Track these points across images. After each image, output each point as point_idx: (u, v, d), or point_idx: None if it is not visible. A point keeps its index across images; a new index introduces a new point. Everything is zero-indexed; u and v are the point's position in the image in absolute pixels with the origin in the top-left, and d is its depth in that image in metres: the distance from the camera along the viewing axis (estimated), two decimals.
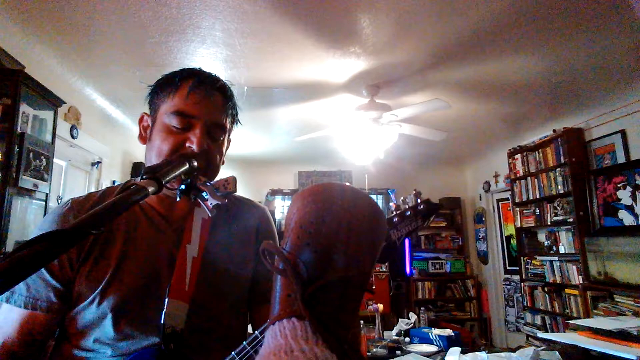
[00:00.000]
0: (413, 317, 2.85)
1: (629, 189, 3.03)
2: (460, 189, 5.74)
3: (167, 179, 0.57)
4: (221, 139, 0.82)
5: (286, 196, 5.38)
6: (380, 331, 2.65)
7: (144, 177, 0.54)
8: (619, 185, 3.11)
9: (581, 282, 3.33)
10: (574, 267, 3.47)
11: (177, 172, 0.61)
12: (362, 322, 2.42)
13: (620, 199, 3.09)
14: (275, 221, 0.96)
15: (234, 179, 0.69)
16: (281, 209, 5.27)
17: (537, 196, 3.92)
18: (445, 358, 1.98)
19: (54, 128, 2.31)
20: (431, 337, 2.44)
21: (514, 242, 4.69)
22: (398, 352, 2.32)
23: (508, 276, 4.86)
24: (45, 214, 2.23)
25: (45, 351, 0.76)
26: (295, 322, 0.35)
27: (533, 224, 4.03)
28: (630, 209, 3.02)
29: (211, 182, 0.68)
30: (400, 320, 2.80)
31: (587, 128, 3.55)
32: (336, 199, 0.42)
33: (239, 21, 2.02)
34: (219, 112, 0.80)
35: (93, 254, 0.75)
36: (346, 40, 2.24)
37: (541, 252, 3.94)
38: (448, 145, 4.38)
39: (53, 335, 0.76)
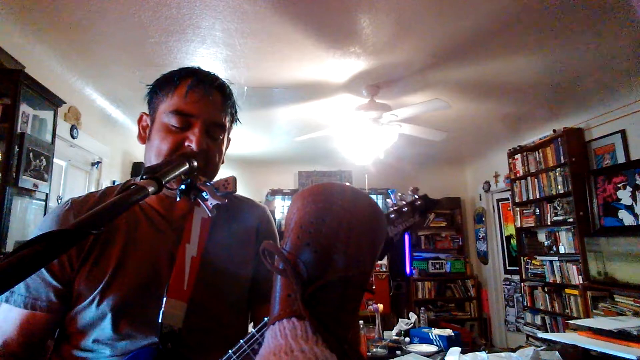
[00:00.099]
0: (413, 317, 2.85)
1: (629, 189, 3.03)
2: (460, 189, 5.74)
3: (167, 179, 0.57)
4: (220, 137, 0.82)
5: (286, 196, 5.38)
6: (380, 331, 2.65)
7: (144, 177, 0.54)
8: (619, 185, 3.11)
9: (581, 282, 3.33)
10: (574, 267, 3.47)
11: (177, 172, 0.61)
12: (362, 322, 2.42)
13: (620, 199, 3.09)
14: (275, 221, 0.96)
15: (233, 179, 0.69)
16: (281, 209, 5.27)
17: (537, 196, 3.92)
18: (445, 358, 1.98)
19: (54, 128, 2.31)
20: (431, 337, 2.44)
21: (514, 242, 4.69)
22: (398, 352, 2.32)
23: (508, 276, 4.86)
24: (45, 214, 2.23)
25: (45, 351, 0.76)
26: (295, 322, 0.35)
27: (533, 224, 4.03)
28: (630, 209, 3.02)
29: (211, 182, 0.68)
30: (400, 320, 2.81)
31: (587, 128, 3.55)
32: (336, 199, 0.42)
33: (239, 21, 2.02)
34: (218, 111, 0.80)
35: (93, 253, 0.75)
36: (346, 40, 2.24)
37: (541, 252, 3.94)
38: (448, 145, 4.37)
39: (53, 335, 0.76)
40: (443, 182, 5.64)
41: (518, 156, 4.22)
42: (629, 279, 2.94)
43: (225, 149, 0.87)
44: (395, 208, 0.74)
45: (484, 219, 5.30)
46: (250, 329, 0.78)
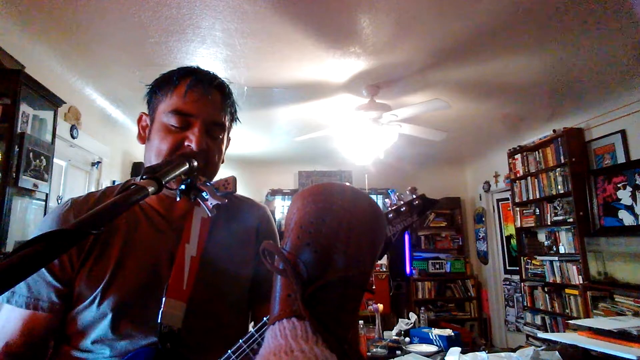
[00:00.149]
0: (413, 317, 2.85)
1: (629, 189, 3.03)
2: (460, 189, 5.74)
3: (167, 179, 0.57)
4: (220, 137, 0.82)
5: (286, 196, 5.38)
6: (380, 331, 2.65)
7: (144, 177, 0.54)
8: (619, 185, 3.11)
9: (581, 282, 3.33)
10: (574, 267, 3.47)
11: (177, 172, 0.61)
12: (362, 322, 2.42)
13: (620, 199, 3.09)
14: (275, 221, 0.96)
15: (233, 179, 0.69)
16: (281, 209, 5.27)
17: (537, 196, 3.92)
18: (445, 358, 1.98)
19: (54, 128, 2.31)
20: (431, 337, 2.44)
21: (514, 242, 4.69)
22: (398, 352, 2.32)
23: (508, 276, 4.86)
24: (45, 214, 2.23)
25: (47, 351, 0.76)
26: (295, 322, 0.35)
27: (533, 224, 4.03)
28: (630, 209, 3.02)
29: (211, 182, 0.68)
30: (400, 320, 2.81)
31: (587, 128, 3.55)
32: (336, 199, 0.42)
33: (239, 21, 2.02)
34: (217, 110, 0.80)
35: (93, 253, 0.75)
36: (346, 40, 2.24)
37: (541, 252, 3.94)
38: (448, 145, 4.37)
39: (55, 335, 0.76)
40: (443, 182, 5.64)
41: (518, 156, 4.22)
42: (629, 279, 2.94)
43: (225, 149, 0.87)
44: (393, 208, 0.74)
45: (484, 219, 5.30)
46: (251, 329, 0.78)
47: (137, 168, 3.82)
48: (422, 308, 4.34)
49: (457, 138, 4.19)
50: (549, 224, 3.78)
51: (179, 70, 0.80)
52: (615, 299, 3.01)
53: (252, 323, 0.91)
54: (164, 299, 0.73)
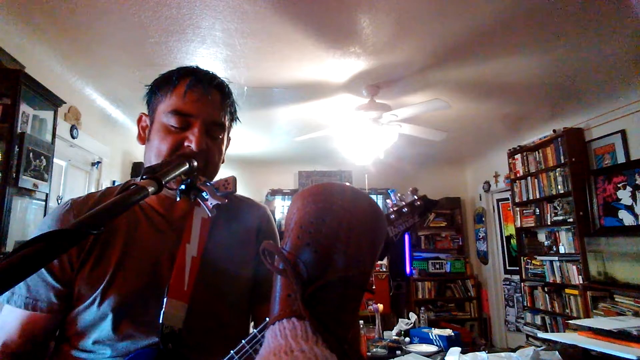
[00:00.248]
0: (413, 317, 2.85)
1: (629, 189, 3.03)
2: (460, 189, 5.74)
3: (167, 179, 0.57)
4: (220, 137, 0.82)
5: (286, 196, 5.38)
6: (380, 331, 2.65)
7: (144, 177, 0.54)
8: (619, 185, 3.11)
9: (581, 282, 3.33)
10: (574, 267, 3.47)
11: (177, 172, 0.61)
12: (362, 322, 2.42)
13: (620, 199, 3.09)
14: (275, 221, 0.96)
15: (233, 179, 0.69)
16: (281, 209, 5.27)
17: (537, 196, 3.92)
18: (445, 358, 1.98)
19: (54, 128, 2.31)
20: (431, 337, 2.44)
21: (514, 242, 4.69)
22: (398, 352, 2.32)
23: (508, 276, 4.86)
24: (45, 214, 2.23)
25: (46, 351, 0.76)
26: (295, 322, 0.35)
27: (533, 224, 4.03)
28: (630, 209, 3.02)
29: (211, 182, 0.68)
30: (400, 320, 2.81)
31: (587, 128, 3.55)
32: (336, 199, 0.42)
33: (239, 21, 2.02)
34: (217, 110, 0.80)
35: (93, 254, 0.75)
36: (346, 40, 2.24)
37: (541, 252, 3.94)
38: (448, 145, 4.38)
39: (54, 335, 0.76)
40: (443, 182, 5.64)
41: (518, 156, 4.22)
42: (629, 279, 2.94)
43: (226, 148, 0.87)
44: (395, 209, 0.74)
45: (484, 219, 5.30)
46: (251, 329, 0.78)
47: (137, 168, 3.82)
48: (422, 308, 4.34)
49: (457, 138, 4.19)
50: (549, 224, 3.78)
51: (178, 70, 0.80)
52: (615, 299, 3.01)
53: (252, 323, 0.91)
54: (165, 299, 0.73)
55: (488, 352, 1.88)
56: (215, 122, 0.79)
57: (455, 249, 5.45)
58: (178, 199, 0.68)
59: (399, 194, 0.78)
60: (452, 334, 2.44)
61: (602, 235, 3.22)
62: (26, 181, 2.03)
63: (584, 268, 3.30)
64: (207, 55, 2.39)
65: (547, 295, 3.80)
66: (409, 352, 2.23)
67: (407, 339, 2.56)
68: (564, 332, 3.19)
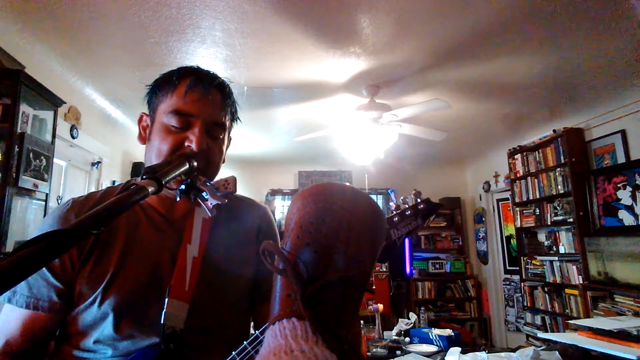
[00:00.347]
0: (413, 317, 2.85)
1: (629, 189, 3.03)
2: (460, 189, 5.74)
3: (167, 179, 0.57)
4: (221, 137, 0.82)
5: (286, 196, 5.38)
6: (380, 331, 2.65)
7: (144, 177, 0.54)
8: (619, 185, 3.11)
9: (581, 282, 3.33)
10: (574, 267, 3.47)
11: (177, 172, 0.61)
12: (362, 322, 2.42)
13: (620, 199, 3.09)
14: (275, 221, 0.96)
15: (233, 179, 0.69)
16: (281, 209, 5.27)
17: (537, 196, 3.92)
18: (445, 358, 1.98)
19: (54, 128, 2.31)
20: (431, 337, 2.44)
21: (514, 242, 4.69)
22: (398, 352, 2.32)
23: (508, 276, 4.86)
24: (45, 214, 2.23)
25: (47, 351, 0.76)
26: (295, 322, 0.35)
27: (533, 224, 4.03)
28: (630, 209, 3.02)
29: (211, 182, 0.68)
30: (400, 320, 2.80)
31: (587, 128, 3.55)
32: (336, 199, 0.42)
33: (239, 21, 2.02)
34: (217, 110, 0.80)
35: (94, 253, 0.75)
36: (346, 40, 2.24)
37: (541, 252, 3.94)
38: (448, 145, 4.38)
39: (55, 335, 0.76)
40: (443, 182, 5.64)
41: (518, 156, 4.22)
42: (629, 279, 2.94)
43: (226, 148, 0.87)
44: (398, 211, 0.74)
45: (484, 219, 5.30)
46: (251, 329, 0.78)
47: (137, 168, 3.82)
48: (422, 308, 4.34)
49: (457, 138, 4.19)
50: (549, 224, 3.78)
51: (179, 70, 0.80)
52: (615, 299, 3.01)
53: (252, 323, 0.91)
54: (166, 299, 0.73)
55: (488, 352, 1.88)
56: (215, 122, 0.79)
57: (455, 249, 5.45)
58: (178, 199, 0.68)
59: (401, 197, 0.78)
60: (452, 334, 2.44)
61: (602, 235, 3.22)
62: (26, 181, 2.03)
63: (584, 268, 3.30)
64: (207, 55, 2.39)
65: (547, 295, 3.80)
66: (409, 352, 2.23)
67: (407, 339, 2.56)
68: (564, 332, 3.19)
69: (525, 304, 4.10)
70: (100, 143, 3.25)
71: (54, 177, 2.32)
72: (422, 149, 4.53)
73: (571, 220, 3.47)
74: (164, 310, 0.72)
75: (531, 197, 4.01)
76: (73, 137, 2.78)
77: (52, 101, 2.27)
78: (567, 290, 3.53)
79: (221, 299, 0.80)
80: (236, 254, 0.85)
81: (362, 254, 0.40)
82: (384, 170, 5.02)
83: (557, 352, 1.72)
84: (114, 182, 3.52)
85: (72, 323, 0.74)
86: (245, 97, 3.01)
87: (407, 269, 5.08)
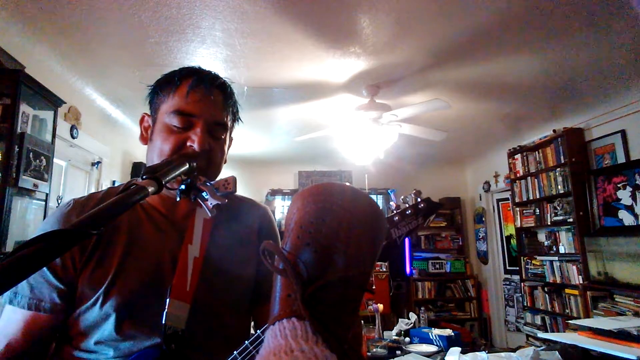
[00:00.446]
0: (413, 317, 2.85)
1: (629, 189, 3.03)
2: (460, 189, 5.74)
3: (167, 179, 0.57)
4: (223, 137, 0.82)
5: (286, 196, 5.38)
6: (380, 331, 2.65)
7: (144, 177, 0.54)
8: (619, 185, 3.11)
9: (581, 282, 3.33)
10: (574, 267, 3.47)
11: (177, 172, 0.61)
12: (362, 322, 2.42)
13: (620, 199, 3.09)
14: (275, 221, 0.96)
15: (234, 179, 0.69)
16: (281, 209, 5.27)
17: (537, 196, 3.92)
18: (445, 358, 1.98)
19: (54, 128, 2.31)
20: (431, 337, 2.44)
21: (514, 242, 4.69)
22: (398, 352, 2.32)
23: (508, 276, 4.86)
24: (45, 214, 2.23)
25: (48, 351, 0.76)
26: (295, 322, 0.35)
27: (533, 224, 4.03)
28: (630, 209, 3.02)
29: (211, 182, 0.68)
30: (400, 320, 2.80)
31: (587, 128, 3.55)
32: (336, 199, 0.42)
33: (239, 21, 2.02)
34: (219, 110, 0.80)
35: (96, 254, 0.75)
36: (346, 40, 2.24)
37: (541, 252, 3.94)
38: (448, 145, 4.37)
39: (56, 335, 0.76)
40: (443, 182, 5.64)
41: (518, 156, 4.22)
42: (629, 279, 2.94)
43: (228, 148, 0.87)
44: (398, 211, 0.75)
45: (484, 219, 5.30)
46: (252, 329, 0.78)
47: (137, 168, 3.81)
48: (422, 308, 4.34)
49: (457, 138, 4.19)
50: (549, 224, 3.78)
51: (180, 71, 0.80)
52: (615, 299, 3.01)
53: (252, 323, 0.91)
54: (168, 300, 0.73)
55: (488, 352, 1.88)
56: (217, 122, 0.79)
57: (455, 249, 5.45)
58: (178, 198, 0.68)
59: (402, 196, 0.78)
60: (452, 334, 2.44)
61: (602, 235, 3.22)
62: (26, 181, 2.03)
63: (584, 268, 3.29)
64: (207, 55, 2.39)
65: (547, 295, 3.80)
66: (409, 352, 2.22)
67: (407, 339, 2.56)
68: (564, 332, 3.19)
69: (525, 304, 4.10)
70: (100, 143, 3.25)
71: (54, 177, 2.32)
72: (422, 149, 4.53)
73: (571, 220, 3.47)
74: (166, 310, 0.72)
75: (531, 197, 4.01)
76: (73, 137, 2.78)
77: (52, 101, 2.27)
78: (567, 290, 3.53)
79: (222, 299, 0.80)
80: (237, 254, 0.85)
81: (362, 254, 0.40)
82: (384, 170, 5.02)
83: (557, 352, 1.72)
84: (114, 182, 3.52)
85: (73, 324, 0.74)
86: (246, 97, 3.01)
87: (407, 269, 5.08)
